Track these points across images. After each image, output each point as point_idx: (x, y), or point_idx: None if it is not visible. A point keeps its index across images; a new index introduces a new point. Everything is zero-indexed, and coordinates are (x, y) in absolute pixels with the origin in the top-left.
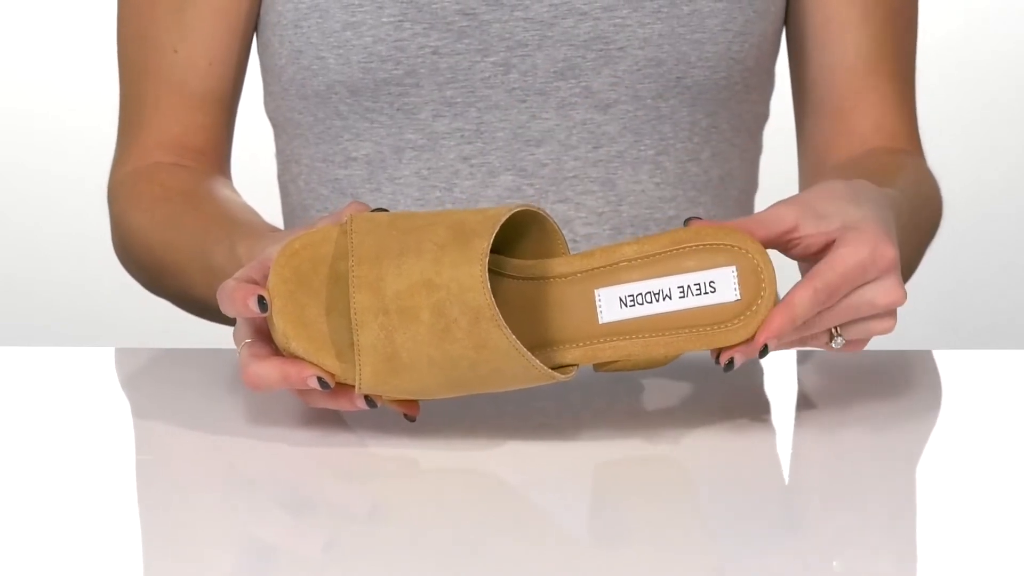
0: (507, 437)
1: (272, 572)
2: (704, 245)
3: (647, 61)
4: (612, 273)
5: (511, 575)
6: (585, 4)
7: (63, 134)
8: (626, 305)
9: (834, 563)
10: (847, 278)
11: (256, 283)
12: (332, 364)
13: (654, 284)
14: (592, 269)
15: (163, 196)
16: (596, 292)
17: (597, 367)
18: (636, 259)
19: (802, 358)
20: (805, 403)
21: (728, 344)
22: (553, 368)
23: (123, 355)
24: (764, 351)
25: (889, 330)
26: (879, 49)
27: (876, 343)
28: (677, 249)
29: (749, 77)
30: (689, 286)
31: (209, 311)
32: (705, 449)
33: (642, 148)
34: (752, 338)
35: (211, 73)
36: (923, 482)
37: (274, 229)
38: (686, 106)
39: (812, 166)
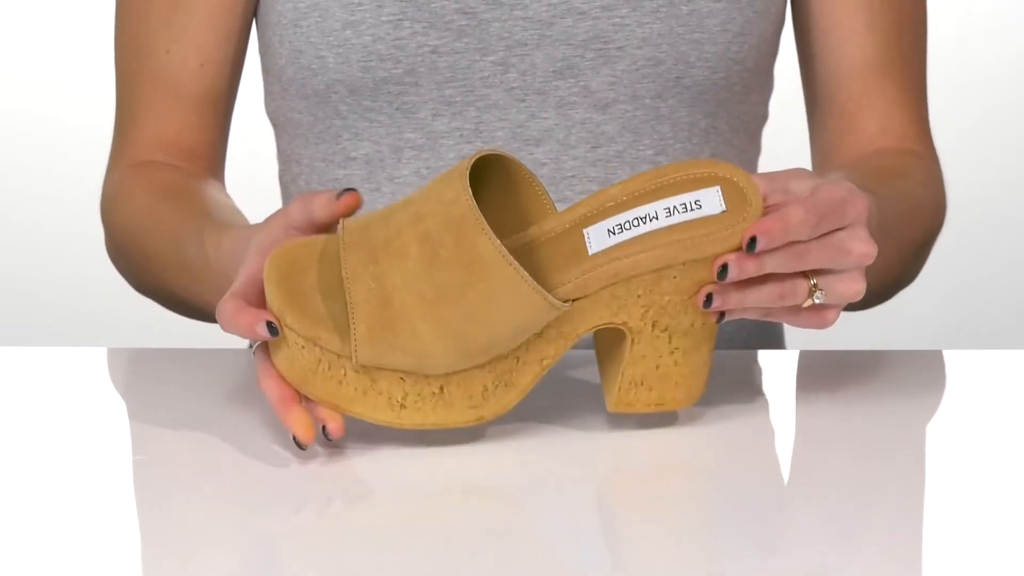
0: (504, 437)
1: (269, 572)
2: (688, 175)
3: (646, 61)
4: (599, 214)
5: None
6: (584, 3)
7: (63, 134)
8: (614, 234)
9: (836, 563)
10: (832, 207)
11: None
12: (328, 338)
13: (640, 211)
14: (580, 216)
15: (148, 189)
16: (584, 231)
17: (616, 408)
18: (623, 197)
19: (807, 357)
20: (811, 403)
21: (717, 252)
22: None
23: (115, 355)
24: (752, 244)
25: (859, 294)
26: (886, 53)
27: (882, 343)
28: (662, 182)
29: (748, 78)
30: (675, 206)
31: (184, 306)
32: (707, 449)
33: (641, 148)
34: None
35: (204, 74)
36: (933, 483)
37: (246, 225)
38: (685, 106)
39: (820, 169)
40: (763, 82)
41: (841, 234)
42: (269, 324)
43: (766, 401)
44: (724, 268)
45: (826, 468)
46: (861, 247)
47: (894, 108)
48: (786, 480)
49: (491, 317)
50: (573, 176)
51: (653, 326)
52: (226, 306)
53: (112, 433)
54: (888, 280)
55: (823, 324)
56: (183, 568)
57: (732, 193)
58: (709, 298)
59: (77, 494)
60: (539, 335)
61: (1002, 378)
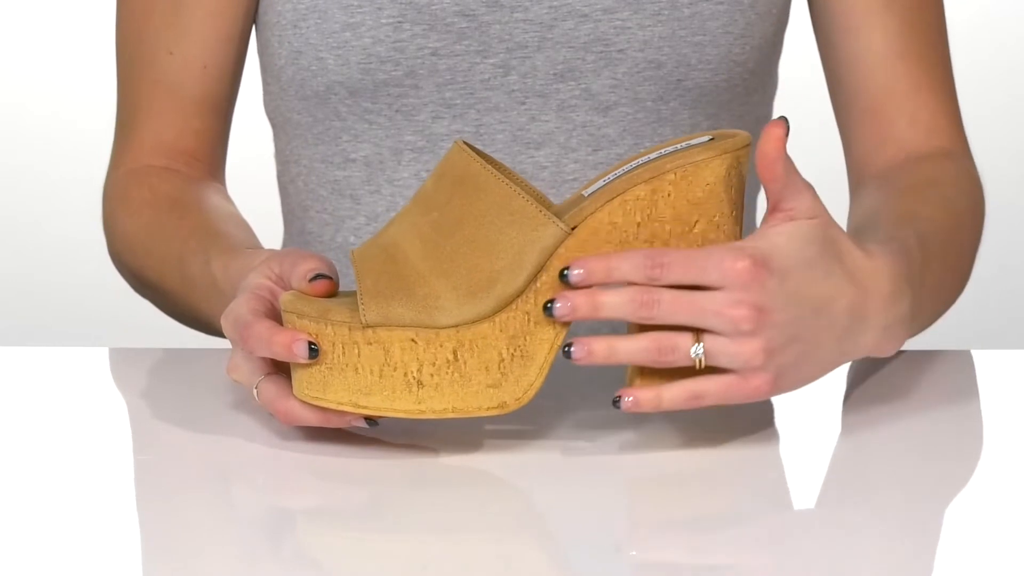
0: (504, 437)
1: (270, 572)
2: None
3: (647, 63)
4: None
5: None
6: (585, 6)
7: (63, 134)
8: (608, 180)
9: (851, 567)
10: (686, 261)
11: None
12: (338, 310)
13: (633, 163)
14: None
15: (151, 201)
16: (583, 192)
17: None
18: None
19: None
20: (823, 404)
21: (705, 158)
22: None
23: (117, 355)
24: (564, 275)
25: (756, 355)
26: (908, 35)
27: (909, 342)
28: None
29: (750, 79)
30: (664, 151)
31: (187, 319)
32: (716, 451)
33: (643, 150)
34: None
35: (206, 76)
36: (948, 484)
37: (253, 246)
38: (687, 108)
39: (855, 173)
40: (765, 82)
41: (717, 295)
42: (310, 344)
43: (770, 404)
44: (551, 303)
45: (835, 471)
46: (737, 311)
47: (923, 94)
48: (794, 483)
49: (490, 239)
50: (574, 179)
51: None
52: (258, 327)
53: (114, 433)
54: (948, 299)
55: (749, 391)
56: (184, 567)
57: (722, 135)
58: (567, 350)
59: (79, 494)
60: (546, 283)
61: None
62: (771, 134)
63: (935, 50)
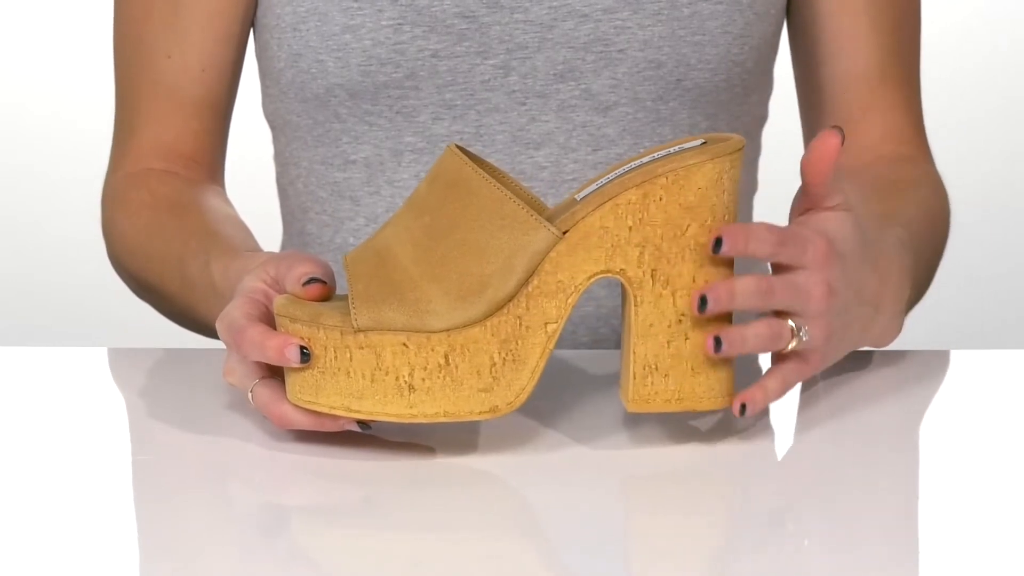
0: (502, 437)
1: (267, 571)
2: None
3: (647, 63)
4: (588, 185)
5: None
6: (585, 6)
7: (63, 134)
8: (600, 184)
9: (838, 565)
10: (794, 238)
11: (266, 325)
12: (330, 314)
13: (625, 167)
14: (571, 196)
15: (150, 203)
16: (575, 196)
17: (635, 406)
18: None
19: None
20: (812, 403)
21: (697, 162)
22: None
23: (116, 355)
24: (718, 245)
25: (828, 338)
26: (888, 57)
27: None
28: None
29: (748, 79)
30: (656, 155)
31: (186, 320)
32: (706, 451)
33: (642, 150)
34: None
35: (204, 79)
36: (936, 483)
37: (252, 248)
38: (686, 108)
39: None
40: (763, 83)
41: (802, 275)
42: (301, 348)
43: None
44: (703, 300)
45: (828, 469)
46: (818, 291)
47: (897, 112)
48: (787, 482)
49: (480, 243)
50: (574, 179)
51: (653, 277)
52: (251, 332)
53: (112, 433)
54: (921, 297)
55: (808, 371)
56: (183, 567)
57: (714, 138)
58: (718, 343)
59: (77, 494)
60: (537, 287)
61: (1009, 378)
62: (828, 143)
63: (911, 68)
